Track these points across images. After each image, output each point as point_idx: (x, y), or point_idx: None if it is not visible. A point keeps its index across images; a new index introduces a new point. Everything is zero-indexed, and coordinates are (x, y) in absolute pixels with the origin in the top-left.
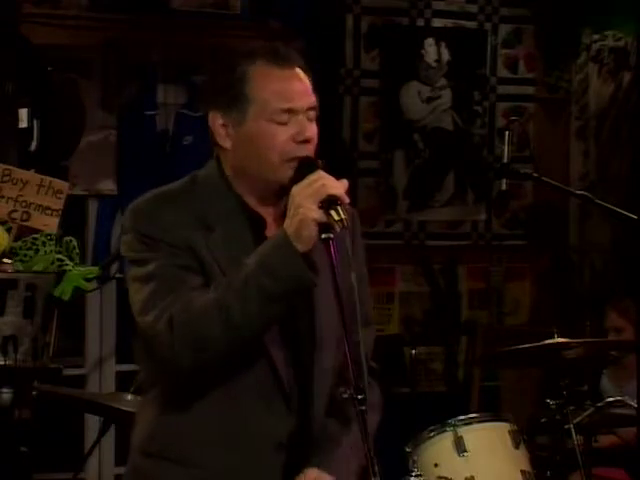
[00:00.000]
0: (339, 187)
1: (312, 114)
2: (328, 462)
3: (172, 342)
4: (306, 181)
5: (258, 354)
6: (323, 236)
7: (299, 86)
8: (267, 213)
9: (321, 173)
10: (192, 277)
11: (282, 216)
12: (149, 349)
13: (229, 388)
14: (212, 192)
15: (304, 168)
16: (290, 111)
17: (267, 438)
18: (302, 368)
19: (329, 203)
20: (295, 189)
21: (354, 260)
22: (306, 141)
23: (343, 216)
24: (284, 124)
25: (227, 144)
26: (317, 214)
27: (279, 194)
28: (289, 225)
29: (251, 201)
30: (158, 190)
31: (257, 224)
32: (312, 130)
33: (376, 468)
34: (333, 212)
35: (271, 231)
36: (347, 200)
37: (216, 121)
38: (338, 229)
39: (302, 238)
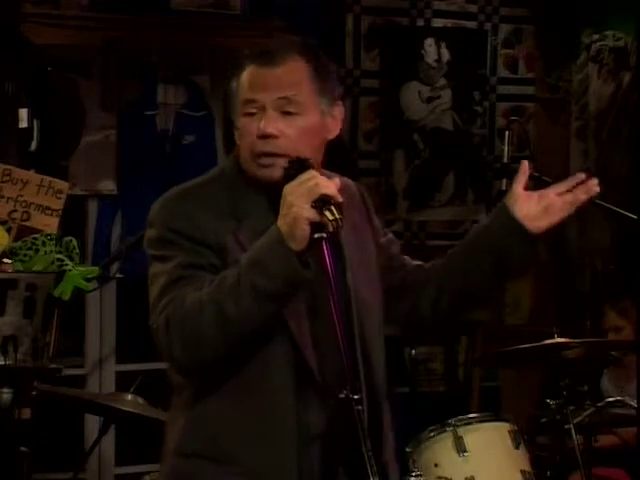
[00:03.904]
0: (332, 186)
1: (287, 106)
2: None
3: (169, 342)
4: (298, 180)
5: (288, 349)
6: (316, 235)
7: (270, 79)
8: None
9: (313, 172)
10: (204, 276)
11: None
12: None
13: (261, 384)
14: (236, 185)
15: (295, 168)
16: (254, 101)
17: (303, 430)
18: (330, 360)
19: (322, 202)
20: (287, 188)
21: (377, 231)
22: (264, 136)
23: (337, 216)
24: (251, 115)
25: (238, 140)
26: (310, 213)
27: (271, 189)
28: (282, 224)
29: (267, 191)
30: (186, 185)
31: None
32: (277, 126)
33: (375, 468)
34: (327, 212)
35: None
36: (340, 199)
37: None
38: (331, 229)
39: (295, 237)
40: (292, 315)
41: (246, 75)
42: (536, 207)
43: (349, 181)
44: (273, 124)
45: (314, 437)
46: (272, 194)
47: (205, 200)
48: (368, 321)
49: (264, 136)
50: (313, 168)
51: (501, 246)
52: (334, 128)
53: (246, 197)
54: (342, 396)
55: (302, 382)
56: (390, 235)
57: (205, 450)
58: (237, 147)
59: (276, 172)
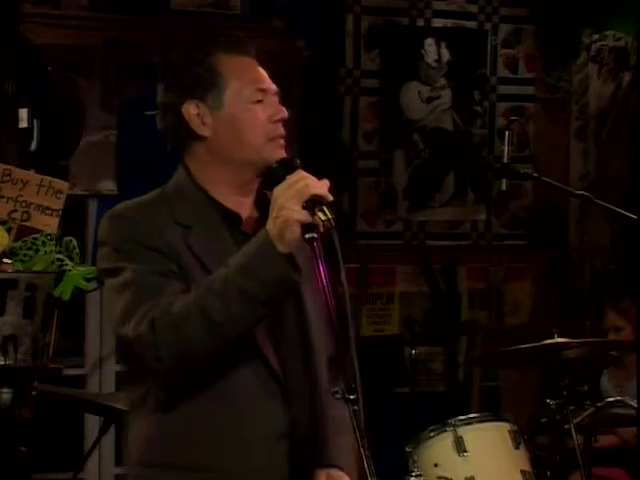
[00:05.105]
0: (322, 186)
1: (277, 98)
2: (339, 455)
3: (155, 344)
4: (287, 182)
5: (250, 352)
6: (307, 236)
7: (263, 71)
8: (241, 206)
9: (302, 173)
10: (171, 282)
11: (255, 206)
12: (133, 354)
13: (225, 389)
14: (183, 195)
15: (283, 169)
16: (263, 91)
17: (268, 431)
18: (295, 361)
19: (313, 203)
20: (277, 190)
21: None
22: (280, 120)
23: (330, 216)
24: (260, 101)
25: (205, 132)
26: (301, 215)
27: (259, 177)
28: (272, 227)
29: (223, 196)
30: (130, 200)
31: (232, 220)
32: (285, 111)
33: (373, 468)
34: (320, 212)
35: (247, 226)
36: (330, 198)
37: (190, 111)
38: (322, 229)
39: (285, 240)
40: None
41: (238, 66)
42: None
43: None
44: (284, 110)
45: (280, 437)
46: (219, 202)
47: (150, 210)
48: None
49: (282, 120)
50: (300, 168)
51: None
52: None
53: (193, 205)
54: (338, 396)
55: (268, 387)
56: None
57: (170, 458)
58: (195, 144)
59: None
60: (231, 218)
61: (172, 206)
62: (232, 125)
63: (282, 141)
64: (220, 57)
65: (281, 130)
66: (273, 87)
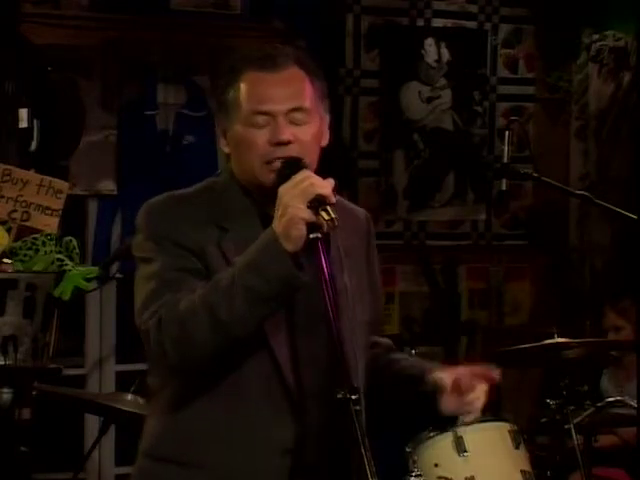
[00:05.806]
0: (326, 186)
1: (297, 116)
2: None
3: (161, 341)
4: (293, 181)
5: (264, 357)
6: (311, 236)
7: (278, 89)
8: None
9: (307, 172)
10: (193, 280)
11: None
12: (144, 347)
13: (235, 392)
14: (226, 194)
15: (289, 168)
16: (265, 114)
17: (273, 443)
18: (308, 372)
19: (318, 203)
20: (282, 189)
21: (371, 265)
22: (282, 143)
23: (333, 215)
24: (260, 127)
25: (226, 149)
26: (306, 213)
27: (268, 198)
28: (277, 225)
29: (261, 201)
30: (173, 192)
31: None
32: (291, 132)
33: (373, 468)
34: (323, 212)
35: None
36: (334, 200)
37: (219, 127)
38: (326, 229)
39: (291, 238)
40: (270, 325)
41: (249, 84)
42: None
43: (359, 209)
44: (288, 131)
45: (284, 451)
46: (263, 206)
47: (190, 207)
48: (358, 330)
49: (280, 143)
50: (307, 168)
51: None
52: (327, 135)
53: (235, 208)
54: (340, 396)
55: (277, 394)
56: (380, 292)
57: (175, 454)
58: (230, 157)
59: None
60: (270, 222)
61: (214, 205)
62: (235, 147)
63: (279, 163)
64: (241, 73)
65: (281, 153)
66: (284, 106)
